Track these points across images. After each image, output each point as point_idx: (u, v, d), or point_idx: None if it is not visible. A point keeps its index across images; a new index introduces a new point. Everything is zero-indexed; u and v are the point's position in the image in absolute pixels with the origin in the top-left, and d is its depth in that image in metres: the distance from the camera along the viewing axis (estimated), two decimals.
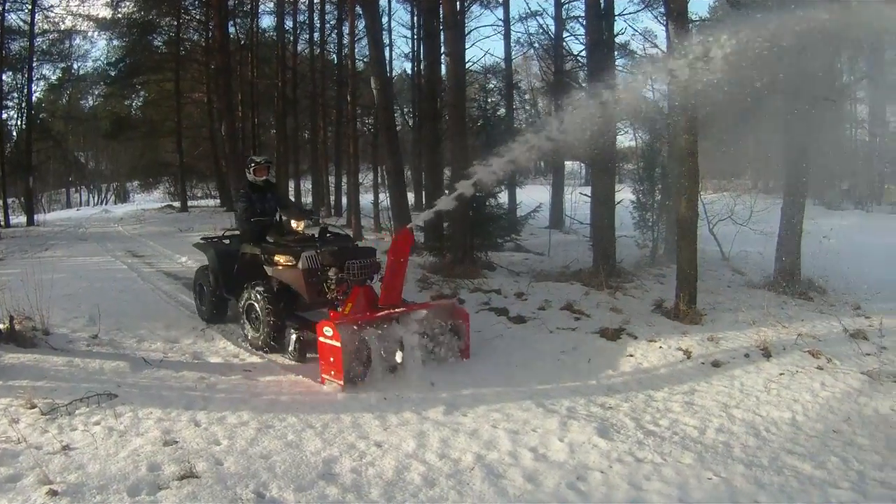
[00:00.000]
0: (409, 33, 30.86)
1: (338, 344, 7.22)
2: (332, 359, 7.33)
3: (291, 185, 29.34)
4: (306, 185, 32.45)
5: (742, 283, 12.98)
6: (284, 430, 5.91)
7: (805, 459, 5.74)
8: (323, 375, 7.46)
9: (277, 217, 9.82)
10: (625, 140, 41.41)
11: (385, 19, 27.65)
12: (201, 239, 10.69)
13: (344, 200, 27.51)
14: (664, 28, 16.21)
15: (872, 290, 12.15)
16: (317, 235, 9.22)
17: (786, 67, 10.27)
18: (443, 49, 16.37)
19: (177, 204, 32.87)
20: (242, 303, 8.94)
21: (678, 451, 5.80)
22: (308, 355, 8.17)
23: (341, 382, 7.21)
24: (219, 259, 9.90)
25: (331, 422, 6.19)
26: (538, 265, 13.31)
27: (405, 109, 32.08)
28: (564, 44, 23.26)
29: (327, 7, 29.72)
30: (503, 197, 16.81)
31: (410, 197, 22.67)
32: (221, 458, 5.29)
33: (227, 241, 10.31)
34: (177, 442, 5.54)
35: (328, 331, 7.34)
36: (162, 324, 9.52)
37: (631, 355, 8.40)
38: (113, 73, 33.04)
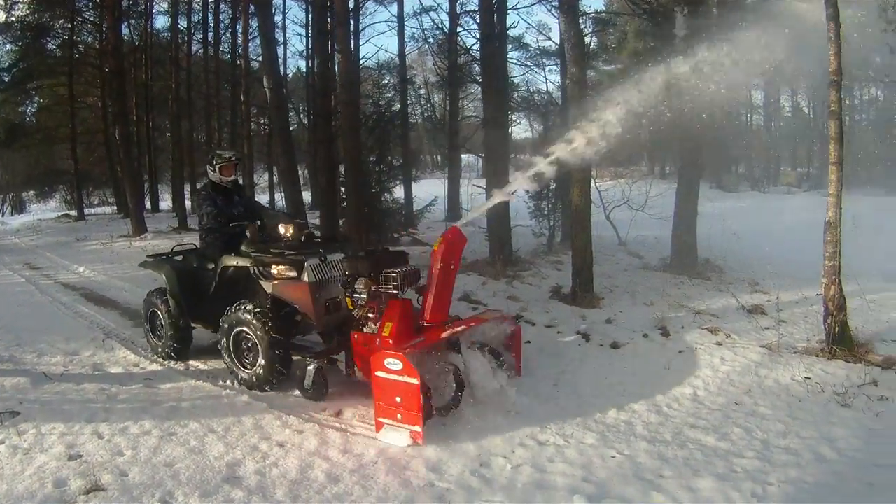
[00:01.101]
0: (303, 31, 30.44)
1: (415, 381, 5.56)
2: (398, 399, 5.68)
3: (188, 189, 28.70)
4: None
5: (639, 266, 13.23)
6: (187, 437, 5.74)
7: (708, 432, 5.83)
8: (381, 420, 5.84)
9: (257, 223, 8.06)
10: (520, 131, 41.94)
11: (279, 17, 27.35)
12: (149, 257, 8.95)
13: None
14: (557, 21, 16.26)
15: (769, 268, 12.44)
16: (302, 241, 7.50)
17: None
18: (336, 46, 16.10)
19: (73, 213, 31.80)
20: (226, 332, 7.26)
21: (580, 433, 5.79)
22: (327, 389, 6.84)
23: (419, 429, 5.61)
24: (180, 279, 8.22)
25: (232, 425, 6.00)
26: None
27: (301, 108, 31.70)
28: (459, 38, 23.50)
29: (221, 6, 29.26)
30: (399, 191, 16.71)
31: (306, 196, 22.45)
32: (126, 469, 5.13)
33: (178, 258, 8.74)
34: (81, 456, 5.35)
35: (394, 363, 5.66)
36: (61, 336, 8.98)
37: (528, 342, 8.27)
38: (6, 79, 31.84)
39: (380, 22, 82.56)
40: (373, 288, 6.80)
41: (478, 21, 17.22)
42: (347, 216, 13.27)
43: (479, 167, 36.16)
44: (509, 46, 21.71)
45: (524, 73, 27.87)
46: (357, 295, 6.87)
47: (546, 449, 5.48)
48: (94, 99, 32.31)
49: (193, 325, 8.20)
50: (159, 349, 8.28)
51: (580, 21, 11.63)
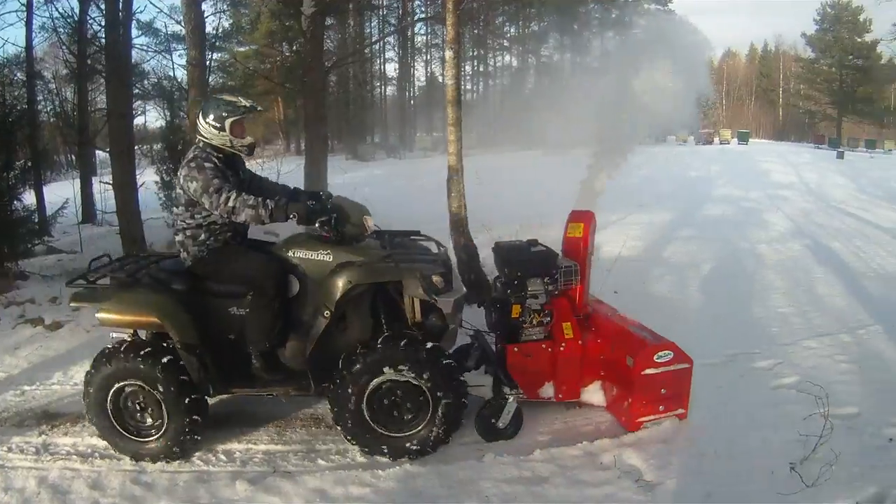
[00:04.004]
0: None
1: (687, 365, 5.71)
2: (664, 391, 5.69)
3: None
4: None
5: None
6: None
7: None
8: (640, 420, 5.73)
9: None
10: (151, 121, 40.89)
11: None
12: (88, 281, 5.52)
13: None
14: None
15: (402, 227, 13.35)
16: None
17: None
18: None
19: None
20: (362, 386, 5.27)
21: None
22: None
23: (684, 411, 5.83)
24: (196, 313, 5.42)
25: None
26: (71, 264, 12.75)
27: None
28: (89, 26, 21.98)
29: None
30: (29, 198, 15.83)
31: None
32: None
33: (161, 272, 5.65)
34: None
35: (664, 355, 5.61)
36: None
37: None
38: None
39: (9, 12, 74.61)
40: (549, 288, 6.11)
41: (102, 7, 16.51)
42: None
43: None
44: (139, 32, 21.07)
45: (150, 59, 27.12)
46: (532, 298, 6.04)
47: None
48: None
49: (226, 391, 5.64)
50: (151, 448, 5.45)
51: (203, 2, 11.60)
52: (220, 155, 5.52)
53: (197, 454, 5.53)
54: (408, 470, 5.14)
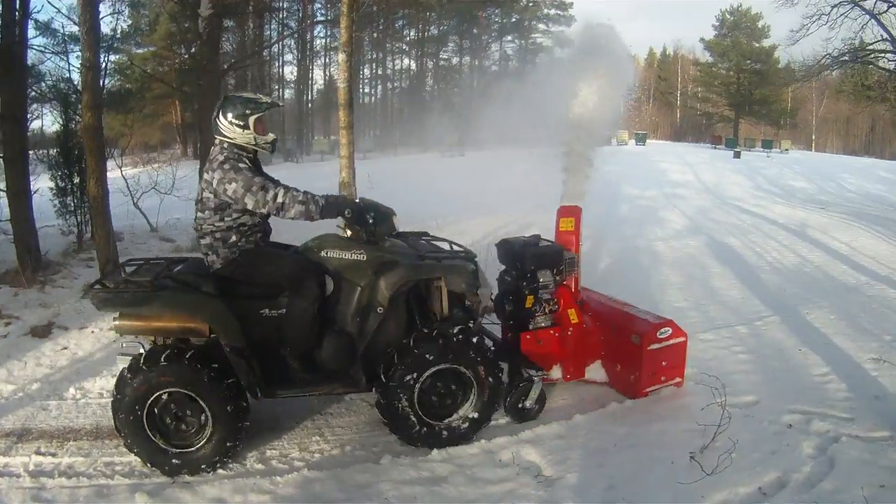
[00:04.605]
0: None
1: (683, 339, 6.69)
2: (664, 363, 6.56)
3: None
4: None
5: (171, 249, 13.25)
6: None
7: None
8: (646, 390, 6.55)
9: None
10: (48, 124, 39.52)
11: None
12: (104, 286, 5.32)
13: None
14: None
15: (295, 231, 13.24)
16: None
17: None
18: None
19: None
20: (414, 379, 5.49)
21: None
22: None
23: (680, 380, 6.77)
24: (243, 315, 5.30)
25: None
26: None
27: None
28: None
29: None
30: None
31: None
32: None
33: (188, 275, 5.48)
34: None
35: (665, 331, 6.51)
36: None
37: (66, 348, 8.21)
38: None
39: None
40: (558, 278, 6.70)
41: None
42: None
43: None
44: (36, 32, 20.39)
45: (47, 61, 26.23)
46: (543, 289, 6.57)
47: None
48: None
49: (273, 395, 5.51)
50: (193, 459, 5.23)
51: (101, 3, 11.28)
52: (248, 154, 5.45)
53: (94, 468, 5.39)
54: (306, 475, 5.14)
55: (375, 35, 61.28)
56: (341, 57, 9.84)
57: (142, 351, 5.22)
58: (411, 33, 67.67)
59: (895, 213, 21.00)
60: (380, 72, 69.92)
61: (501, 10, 67.03)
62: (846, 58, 27.28)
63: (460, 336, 5.60)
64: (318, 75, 66.34)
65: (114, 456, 5.56)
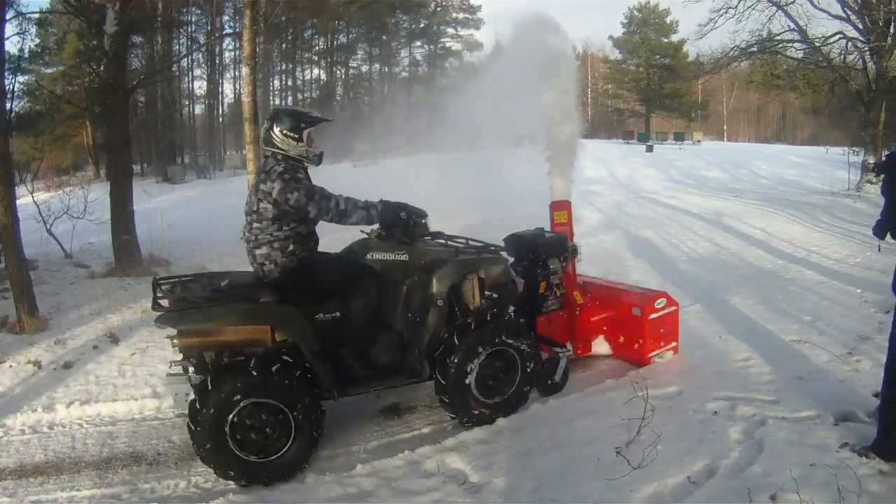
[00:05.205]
0: None
1: (675, 308, 7.58)
2: (662, 329, 7.44)
3: None
4: None
5: (86, 275, 12.91)
6: None
7: None
8: (649, 357, 7.39)
9: None
10: None
11: None
12: (158, 304, 5.35)
13: None
14: None
15: (215, 250, 13.46)
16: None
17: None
18: None
19: None
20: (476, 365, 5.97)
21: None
22: None
23: (676, 344, 7.61)
24: (315, 320, 5.55)
25: None
26: None
27: None
28: None
29: None
30: None
31: None
32: None
33: (243, 287, 5.57)
34: None
35: (661, 301, 7.43)
36: None
37: None
38: None
39: None
40: (563, 264, 7.23)
41: None
42: None
43: None
44: None
45: None
46: (553, 275, 7.12)
47: None
48: None
49: (346, 395, 5.74)
50: (274, 467, 5.25)
51: (5, 23, 10.86)
52: (301, 164, 5.70)
53: None
54: (231, 499, 5.02)
55: (284, 46, 60.76)
56: (245, 70, 9.83)
57: (191, 371, 5.44)
58: (320, 42, 67.22)
59: (809, 197, 21.58)
60: (290, 83, 69.18)
61: (409, 15, 67.17)
62: (755, 49, 27.90)
63: (508, 319, 6.24)
64: (227, 89, 65.24)
65: (39, 494, 5.39)
